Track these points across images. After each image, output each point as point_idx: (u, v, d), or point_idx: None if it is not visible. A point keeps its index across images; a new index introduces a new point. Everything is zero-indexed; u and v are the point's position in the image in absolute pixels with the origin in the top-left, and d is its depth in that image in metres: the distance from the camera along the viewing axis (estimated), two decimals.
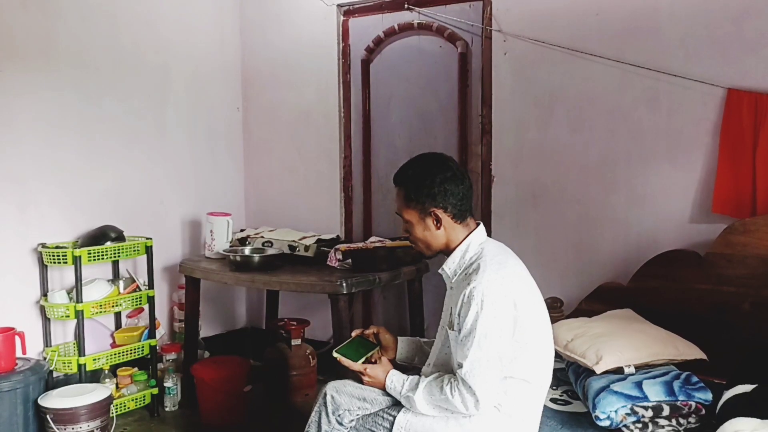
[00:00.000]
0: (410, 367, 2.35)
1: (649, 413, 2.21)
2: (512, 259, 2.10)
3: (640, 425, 2.21)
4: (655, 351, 2.44)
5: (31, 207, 3.50)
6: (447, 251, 2.11)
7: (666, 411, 2.21)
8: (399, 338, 2.34)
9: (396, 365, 2.25)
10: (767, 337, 2.56)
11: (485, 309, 1.91)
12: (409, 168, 2.12)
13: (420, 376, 2.08)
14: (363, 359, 2.21)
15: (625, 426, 2.20)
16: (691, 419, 2.23)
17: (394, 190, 2.16)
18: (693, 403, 2.22)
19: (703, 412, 2.23)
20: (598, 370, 2.36)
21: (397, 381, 2.09)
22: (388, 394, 2.16)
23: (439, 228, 2.06)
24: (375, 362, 2.19)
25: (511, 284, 1.98)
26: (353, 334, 2.33)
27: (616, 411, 2.19)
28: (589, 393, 2.27)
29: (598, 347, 2.43)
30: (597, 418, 2.21)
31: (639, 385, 2.26)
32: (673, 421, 2.22)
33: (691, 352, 2.49)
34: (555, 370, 2.18)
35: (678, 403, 2.22)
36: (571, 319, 2.80)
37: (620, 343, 2.44)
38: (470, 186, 2.10)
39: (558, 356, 2.45)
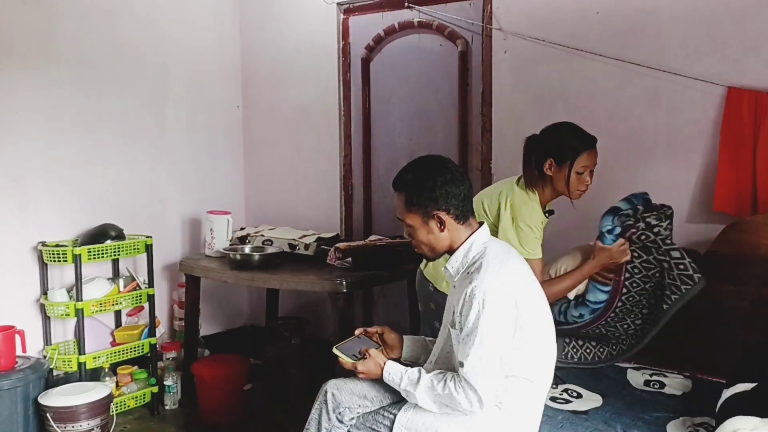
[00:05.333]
0: (415, 365, 2.34)
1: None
2: (515, 258, 2.10)
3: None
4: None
5: (31, 205, 3.50)
6: (451, 252, 2.10)
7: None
8: (404, 337, 2.33)
9: (402, 364, 2.24)
10: (767, 335, 2.56)
11: (487, 308, 1.91)
12: (408, 172, 2.10)
13: (420, 369, 2.07)
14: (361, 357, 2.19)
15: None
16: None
17: (394, 193, 2.15)
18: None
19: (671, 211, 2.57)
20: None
21: (395, 373, 2.08)
22: (389, 391, 2.16)
23: (442, 230, 2.05)
24: (365, 357, 2.15)
25: (513, 284, 1.98)
26: (356, 332, 2.31)
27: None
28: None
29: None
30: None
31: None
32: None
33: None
34: (555, 369, 2.18)
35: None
36: None
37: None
38: (470, 186, 2.10)
39: (560, 356, 2.46)
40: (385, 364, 2.10)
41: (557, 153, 2.51)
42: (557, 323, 2.66)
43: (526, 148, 2.61)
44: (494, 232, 2.56)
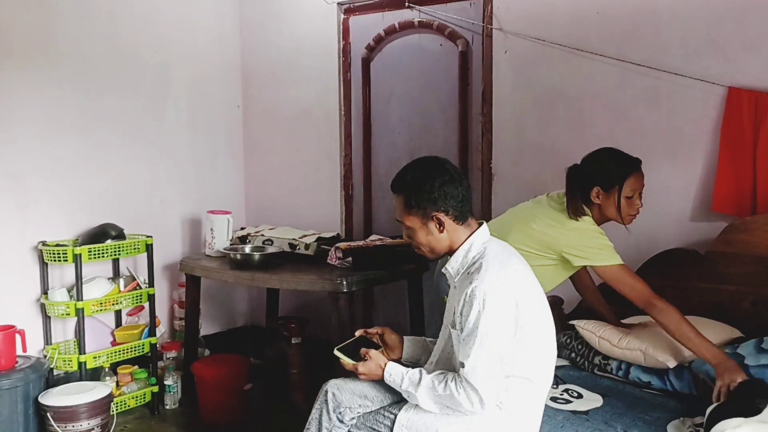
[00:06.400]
0: (416, 366, 2.34)
1: None
2: (515, 258, 2.10)
3: None
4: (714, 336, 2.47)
5: (31, 205, 3.50)
6: (451, 253, 2.10)
7: None
8: (405, 338, 2.33)
9: (402, 365, 2.24)
10: (766, 335, 2.55)
11: (487, 308, 1.91)
12: (406, 174, 2.10)
13: (421, 370, 2.07)
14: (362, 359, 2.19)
15: None
16: None
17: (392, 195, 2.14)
18: None
19: None
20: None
21: (396, 374, 2.08)
22: (390, 391, 2.16)
23: (441, 231, 2.05)
24: (365, 358, 2.15)
25: (513, 284, 1.98)
26: (357, 333, 2.30)
27: None
28: None
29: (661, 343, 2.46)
30: None
31: None
32: None
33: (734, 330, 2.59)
34: (556, 368, 2.18)
35: None
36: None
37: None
38: (469, 187, 2.10)
39: (560, 355, 2.45)
40: (386, 365, 2.10)
41: (603, 180, 2.47)
42: (601, 371, 2.65)
43: (568, 178, 2.55)
44: (533, 256, 2.49)
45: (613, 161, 2.50)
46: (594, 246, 2.45)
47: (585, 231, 2.47)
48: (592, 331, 2.67)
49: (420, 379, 2.02)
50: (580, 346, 2.79)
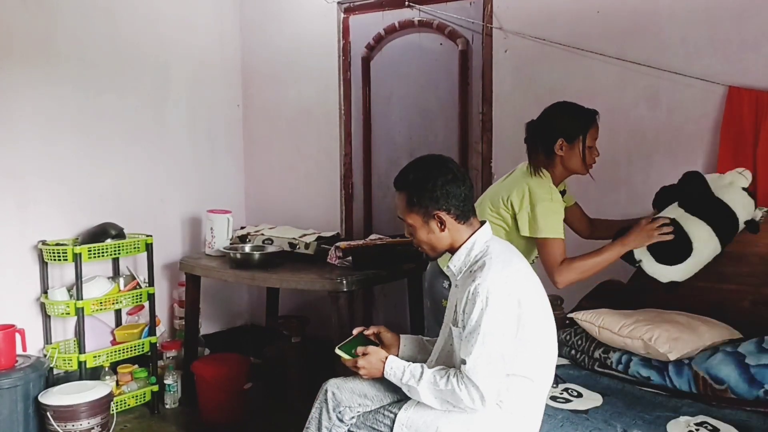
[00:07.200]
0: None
1: None
2: (517, 257, 2.10)
3: None
4: (711, 335, 2.53)
5: (31, 204, 3.50)
6: (452, 251, 2.10)
7: None
8: (401, 336, 2.33)
9: None
10: (766, 334, 2.56)
11: (490, 306, 1.91)
12: (409, 172, 2.10)
13: (422, 365, 2.06)
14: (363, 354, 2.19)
15: None
16: None
17: (395, 193, 2.15)
18: None
19: None
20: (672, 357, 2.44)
21: (397, 368, 2.07)
22: (390, 390, 2.16)
23: (443, 230, 2.05)
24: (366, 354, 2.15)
25: (516, 282, 1.98)
26: (354, 332, 2.31)
27: None
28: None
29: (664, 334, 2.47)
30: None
31: None
32: None
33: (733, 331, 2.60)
34: (556, 367, 2.18)
35: None
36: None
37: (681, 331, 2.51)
38: (471, 186, 2.10)
39: (560, 352, 2.45)
40: (386, 359, 2.10)
41: (567, 131, 2.55)
42: (602, 366, 2.65)
43: (528, 133, 2.64)
44: (508, 233, 2.56)
45: (574, 113, 2.58)
46: (546, 212, 2.50)
47: (544, 192, 2.53)
48: (591, 321, 2.67)
49: (422, 373, 2.02)
50: (580, 342, 2.79)
